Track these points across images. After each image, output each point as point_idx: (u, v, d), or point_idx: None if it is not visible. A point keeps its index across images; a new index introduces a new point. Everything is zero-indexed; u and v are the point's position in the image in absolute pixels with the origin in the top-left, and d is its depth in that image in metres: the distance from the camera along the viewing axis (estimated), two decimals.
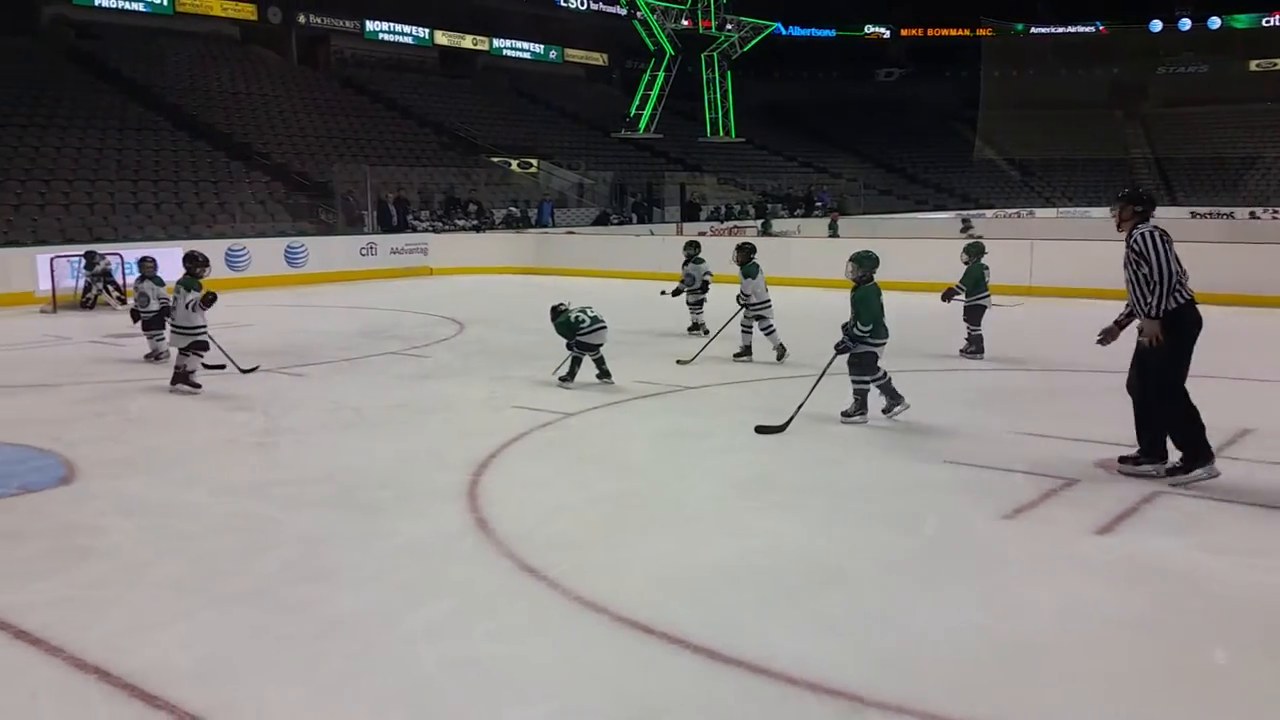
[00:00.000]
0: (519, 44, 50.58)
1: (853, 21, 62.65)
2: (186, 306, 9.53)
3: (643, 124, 44.89)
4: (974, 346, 11.25)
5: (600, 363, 9.78)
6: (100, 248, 18.09)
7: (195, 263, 9.83)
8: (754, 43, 49.19)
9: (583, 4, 51.01)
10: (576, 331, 9.65)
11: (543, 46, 51.64)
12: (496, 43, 49.53)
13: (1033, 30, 63.06)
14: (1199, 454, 6.28)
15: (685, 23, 46.45)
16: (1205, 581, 4.87)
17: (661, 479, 6.80)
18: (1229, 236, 25.84)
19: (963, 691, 3.85)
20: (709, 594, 4.78)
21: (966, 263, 11.37)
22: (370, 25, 44.08)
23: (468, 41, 48.18)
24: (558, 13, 50.53)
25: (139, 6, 36.29)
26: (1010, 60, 61.82)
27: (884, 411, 8.14)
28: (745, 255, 11.20)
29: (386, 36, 44.96)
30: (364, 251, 23.40)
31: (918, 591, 4.78)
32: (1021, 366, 10.74)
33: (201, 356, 9.66)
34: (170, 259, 19.84)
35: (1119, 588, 4.84)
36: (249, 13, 39.50)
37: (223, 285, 15.42)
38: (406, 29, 45.54)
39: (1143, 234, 6.26)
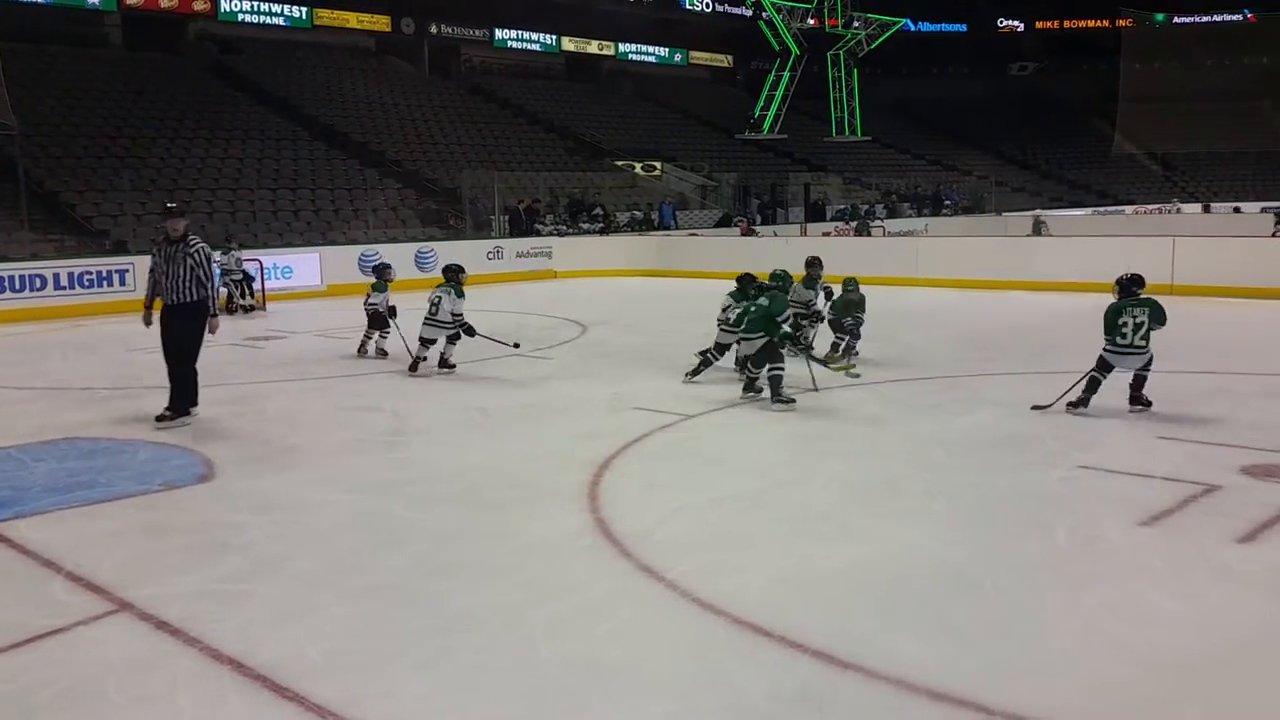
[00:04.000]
0: (644, 48, 50.84)
1: (985, 15, 61.17)
2: (453, 309, 10.93)
3: (767, 125, 44.60)
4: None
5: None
6: (242, 254, 18.40)
7: (460, 271, 11.35)
8: (881, 40, 48.35)
9: (707, 6, 51.01)
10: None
11: (667, 50, 51.81)
12: (622, 47, 49.89)
13: (1175, 20, 60.46)
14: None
15: (811, 22, 45.92)
16: None
17: (782, 482, 6.73)
18: None
19: (1096, 706, 3.71)
20: (830, 598, 4.71)
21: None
22: (499, 34, 44.90)
23: (593, 47, 48.67)
24: (682, 16, 50.65)
25: (279, 21, 37.71)
26: (1151, 51, 59.32)
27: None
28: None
29: (515, 44, 45.74)
30: (490, 255, 23.80)
31: (1050, 600, 4.63)
32: (1160, 369, 10.28)
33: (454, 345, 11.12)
34: (309, 264, 20.81)
35: (1263, 599, 4.61)
36: (384, 25, 40.70)
37: (356, 289, 15.92)
38: (534, 36, 46.23)
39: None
